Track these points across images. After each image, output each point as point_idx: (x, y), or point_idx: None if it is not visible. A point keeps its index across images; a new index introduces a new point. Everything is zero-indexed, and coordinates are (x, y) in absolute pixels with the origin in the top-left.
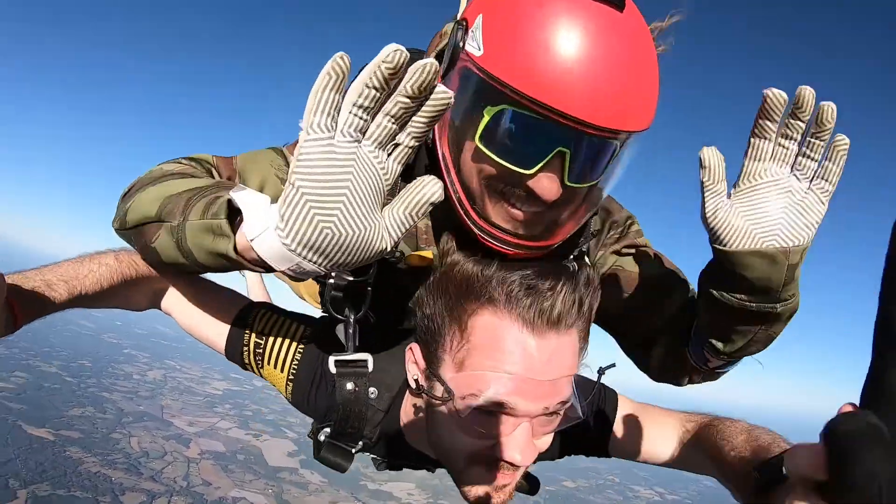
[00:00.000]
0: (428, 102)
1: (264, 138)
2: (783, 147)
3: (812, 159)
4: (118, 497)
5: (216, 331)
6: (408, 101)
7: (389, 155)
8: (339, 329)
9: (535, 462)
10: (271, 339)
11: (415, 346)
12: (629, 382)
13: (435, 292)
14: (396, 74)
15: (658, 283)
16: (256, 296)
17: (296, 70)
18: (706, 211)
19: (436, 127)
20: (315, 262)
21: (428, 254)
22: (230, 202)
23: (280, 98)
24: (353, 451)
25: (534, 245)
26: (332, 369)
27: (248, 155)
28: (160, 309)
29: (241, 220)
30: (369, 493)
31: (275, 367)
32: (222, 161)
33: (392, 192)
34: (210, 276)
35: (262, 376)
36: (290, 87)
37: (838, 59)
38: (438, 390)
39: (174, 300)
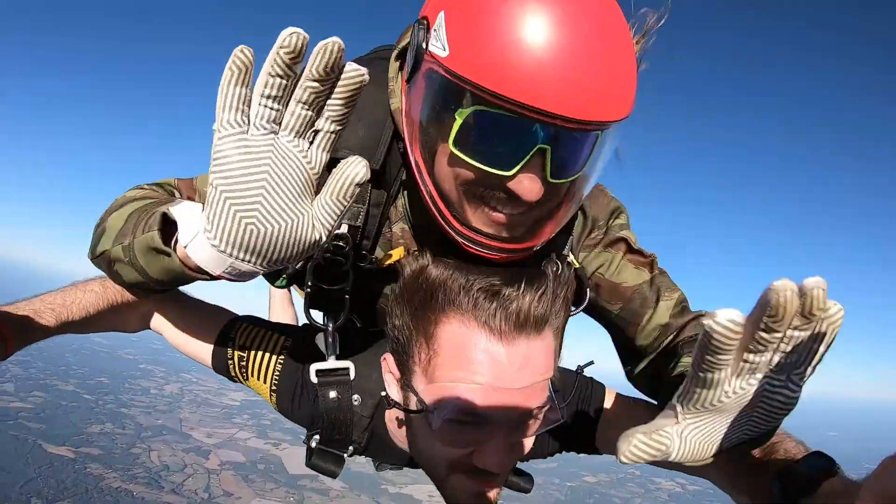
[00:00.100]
0: (340, 83)
1: None
2: (749, 362)
3: (792, 353)
4: None
5: (202, 347)
6: (316, 84)
7: (312, 143)
8: (319, 338)
9: (526, 460)
10: (253, 351)
11: (388, 357)
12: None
13: (401, 302)
14: (298, 58)
15: (637, 298)
16: (278, 312)
17: None
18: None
19: (406, 133)
20: (249, 262)
21: (398, 252)
22: (165, 215)
23: None
24: (346, 455)
25: (518, 247)
26: (314, 379)
27: (206, 175)
28: (151, 329)
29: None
30: (390, 496)
31: (258, 378)
32: (183, 183)
33: (322, 182)
34: (194, 291)
35: (250, 387)
36: None
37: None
38: (412, 401)
39: (161, 320)
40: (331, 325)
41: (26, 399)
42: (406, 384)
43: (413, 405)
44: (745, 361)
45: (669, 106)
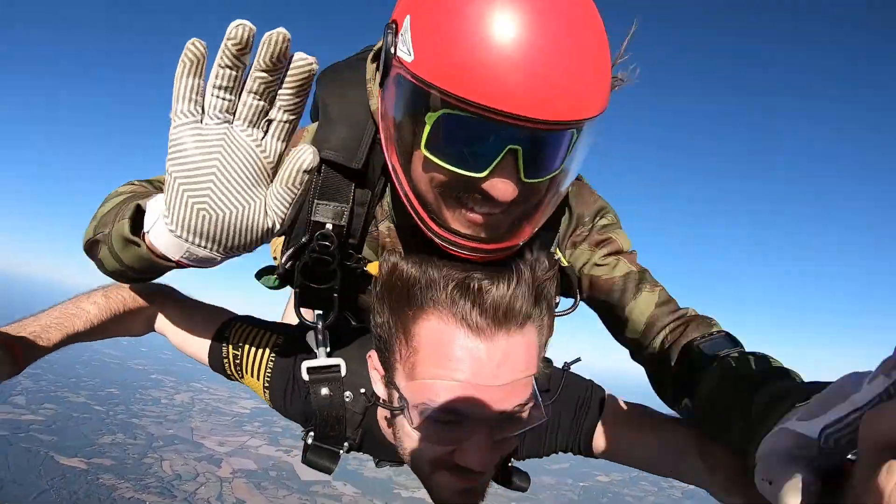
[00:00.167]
0: (289, 72)
1: None
2: None
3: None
4: None
5: (200, 346)
6: (265, 74)
7: (266, 132)
8: (311, 336)
9: (523, 458)
10: (246, 348)
11: (373, 353)
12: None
13: (381, 300)
14: (245, 50)
15: (617, 289)
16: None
17: None
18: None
19: (382, 135)
20: (204, 247)
21: (375, 266)
22: (138, 206)
23: None
24: (341, 451)
25: (497, 247)
26: (305, 376)
27: None
28: (155, 330)
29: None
30: (403, 500)
31: (251, 375)
32: None
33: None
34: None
35: (245, 384)
36: None
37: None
38: (395, 398)
39: (164, 322)
40: (321, 322)
41: (38, 411)
42: (389, 381)
43: (395, 402)
44: None
45: (671, 105)
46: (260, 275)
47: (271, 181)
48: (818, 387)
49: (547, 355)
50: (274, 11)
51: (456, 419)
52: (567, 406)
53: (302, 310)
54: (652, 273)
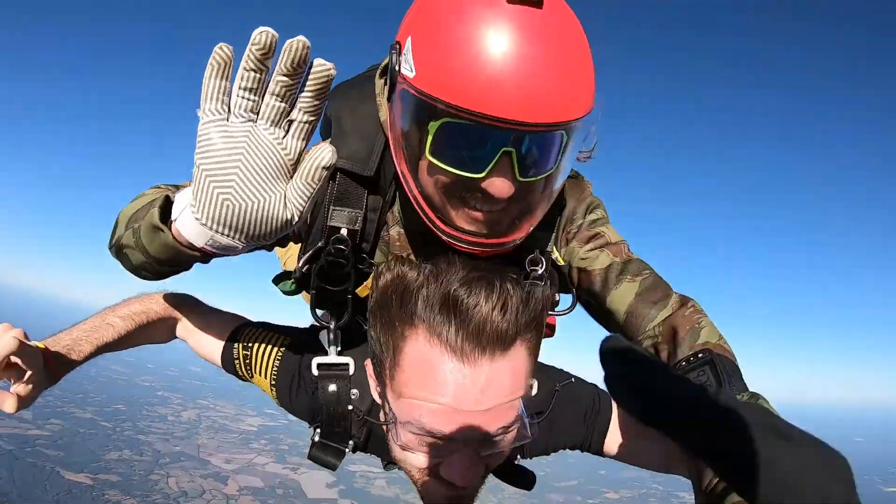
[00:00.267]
0: (310, 77)
1: None
2: None
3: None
4: None
5: (214, 348)
6: (286, 79)
7: (287, 132)
8: (324, 335)
9: (529, 458)
10: (255, 348)
11: (369, 363)
12: None
13: (373, 314)
14: (268, 54)
15: (598, 280)
16: None
17: None
18: None
19: (392, 145)
20: (227, 235)
21: (365, 290)
22: (167, 197)
23: None
24: (346, 449)
25: (499, 241)
26: (315, 372)
27: None
28: (178, 337)
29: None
30: None
31: (260, 374)
32: None
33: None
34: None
35: (255, 384)
36: None
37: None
38: (386, 410)
39: (184, 329)
40: (333, 322)
41: (44, 426)
42: (381, 394)
43: (386, 414)
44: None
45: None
46: (277, 280)
47: (291, 177)
48: None
49: (550, 364)
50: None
51: (439, 438)
52: (575, 408)
53: (317, 311)
54: (646, 261)
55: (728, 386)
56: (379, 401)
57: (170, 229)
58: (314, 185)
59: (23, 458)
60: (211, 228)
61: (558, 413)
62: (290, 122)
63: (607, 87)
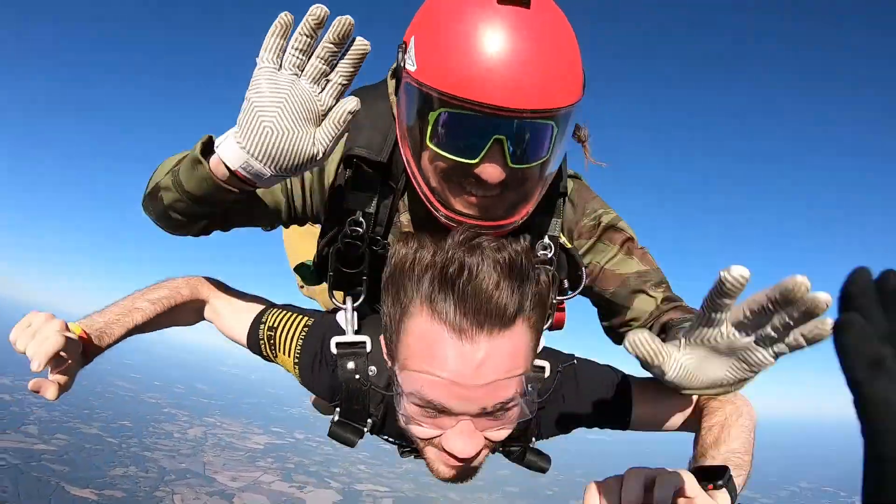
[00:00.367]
0: (351, 49)
1: None
2: (748, 319)
3: (782, 330)
4: None
5: (240, 330)
6: (332, 46)
7: (323, 90)
8: (341, 316)
9: (545, 438)
10: (280, 329)
11: (382, 338)
12: None
13: (385, 290)
14: (320, 25)
15: (625, 288)
16: None
17: None
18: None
19: (399, 136)
20: (260, 161)
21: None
22: (210, 137)
23: None
24: (365, 429)
25: (496, 224)
26: (334, 350)
27: None
28: (205, 319)
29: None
30: None
31: (283, 353)
32: None
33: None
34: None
35: (278, 364)
36: None
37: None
38: (394, 382)
39: (212, 311)
40: (350, 303)
41: (50, 441)
42: (391, 367)
43: (394, 386)
44: (746, 318)
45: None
46: (298, 268)
47: (321, 124)
48: None
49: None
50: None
51: (440, 410)
52: (591, 386)
53: (335, 292)
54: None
55: None
56: (390, 374)
57: (208, 164)
58: (340, 127)
59: (28, 473)
60: (248, 152)
61: (570, 392)
62: (328, 81)
63: (614, 84)
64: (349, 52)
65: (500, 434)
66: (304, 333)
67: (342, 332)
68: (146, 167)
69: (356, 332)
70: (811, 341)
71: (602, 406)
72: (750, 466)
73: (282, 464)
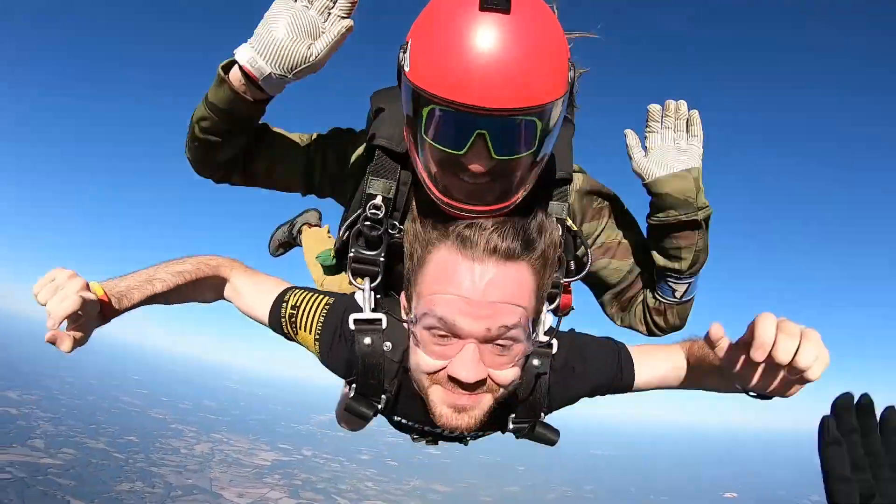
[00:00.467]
0: None
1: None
2: (668, 129)
3: (683, 132)
4: None
5: (262, 309)
6: None
7: (326, 21)
8: (359, 295)
9: (553, 410)
10: (302, 307)
11: (402, 296)
12: None
13: (407, 255)
14: None
15: (639, 249)
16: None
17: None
18: (633, 165)
19: (405, 129)
20: (265, 58)
21: None
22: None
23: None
24: (379, 406)
25: (489, 209)
26: (352, 326)
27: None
28: (224, 298)
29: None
30: None
31: (304, 329)
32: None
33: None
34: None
35: (298, 342)
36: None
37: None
38: (410, 317)
39: (232, 290)
40: (367, 283)
41: (56, 455)
42: (407, 307)
43: (409, 323)
44: (666, 127)
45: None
46: (319, 256)
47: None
48: None
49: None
50: None
51: (448, 330)
52: (594, 355)
53: (352, 275)
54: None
55: None
56: (405, 318)
57: (229, 80)
58: (334, 38)
59: (34, 487)
60: (256, 51)
61: (578, 363)
62: (329, 14)
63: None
64: None
65: (505, 374)
66: (325, 311)
67: (360, 311)
68: (146, 166)
69: (373, 311)
70: (697, 123)
71: (607, 372)
72: None
73: (289, 480)
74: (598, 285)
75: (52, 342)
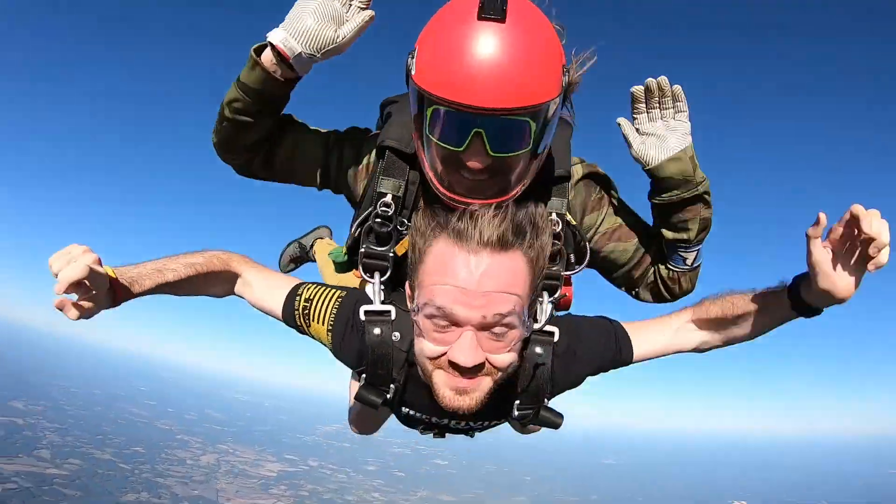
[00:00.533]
0: None
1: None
2: (655, 109)
3: (669, 109)
4: None
5: (275, 302)
6: None
7: (348, 11)
8: (369, 288)
9: (556, 395)
10: (315, 300)
11: (407, 284)
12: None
13: (411, 246)
14: None
15: (639, 228)
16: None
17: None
18: (633, 152)
19: (413, 130)
20: (296, 39)
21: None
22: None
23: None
24: (387, 395)
25: (489, 202)
26: (362, 317)
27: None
28: (235, 293)
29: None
30: None
31: (317, 321)
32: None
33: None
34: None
35: (310, 335)
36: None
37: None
38: (412, 307)
39: (243, 284)
40: (377, 277)
41: (62, 465)
42: (411, 296)
43: (412, 312)
44: (653, 109)
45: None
46: (331, 253)
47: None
48: None
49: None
50: None
51: (447, 318)
52: (593, 335)
53: (364, 270)
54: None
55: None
56: (409, 307)
57: (260, 62)
58: (357, 25)
59: (40, 497)
60: (289, 33)
61: (579, 346)
62: (350, 5)
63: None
64: None
65: (502, 358)
66: (337, 303)
67: (371, 303)
68: (144, 171)
69: (382, 303)
70: (682, 100)
71: (606, 351)
72: None
73: (295, 491)
74: (608, 268)
75: (60, 308)
